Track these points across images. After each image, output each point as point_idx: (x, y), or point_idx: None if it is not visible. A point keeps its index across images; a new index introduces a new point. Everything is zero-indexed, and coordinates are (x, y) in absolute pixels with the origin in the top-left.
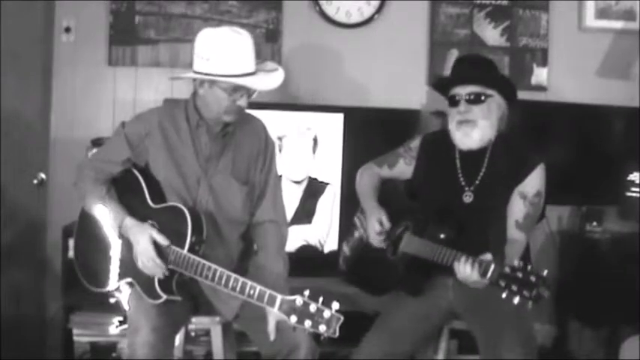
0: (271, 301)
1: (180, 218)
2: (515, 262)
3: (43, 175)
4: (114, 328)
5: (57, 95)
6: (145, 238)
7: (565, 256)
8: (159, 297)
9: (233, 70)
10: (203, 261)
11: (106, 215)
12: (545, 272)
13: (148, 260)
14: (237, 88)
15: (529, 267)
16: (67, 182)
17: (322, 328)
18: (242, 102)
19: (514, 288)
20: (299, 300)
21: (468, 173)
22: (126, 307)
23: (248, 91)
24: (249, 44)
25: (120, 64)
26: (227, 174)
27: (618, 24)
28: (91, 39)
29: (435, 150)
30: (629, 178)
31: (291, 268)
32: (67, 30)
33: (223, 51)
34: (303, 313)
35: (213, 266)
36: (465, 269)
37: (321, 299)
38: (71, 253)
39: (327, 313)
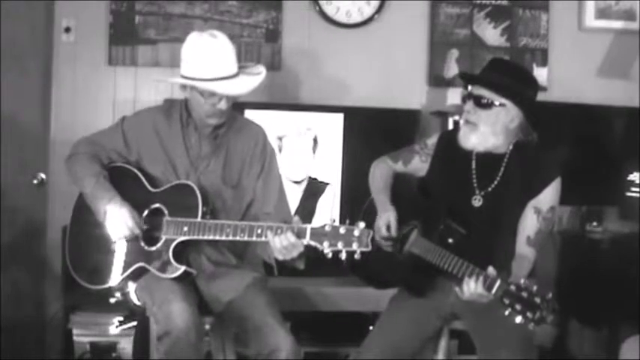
0: (302, 233)
1: (188, 192)
2: (522, 281)
3: (43, 175)
4: (114, 328)
5: (57, 95)
6: (119, 211)
7: (565, 256)
8: (176, 270)
9: (206, 74)
10: (221, 221)
11: (92, 193)
12: (550, 295)
13: (122, 221)
14: (213, 92)
15: (534, 288)
16: (67, 182)
17: (355, 245)
18: (222, 105)
19: (517, 307)
20: (328, 226)
21: (482, 177)
22: (135, 300)
23: (227, 95)
24: (224, 48)
25: (120, 64)
26: (216, 176)
27: (618, 24)
28: (91, 39)
29: (452, 149)
30: (629, 178)
31: (291, 267)
32: (67, 30)
33: (198, 55)
34: (334, 237)
35: (233, 222)
36: (469, 285)
37: (348, 221)
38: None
39: (356, 232)
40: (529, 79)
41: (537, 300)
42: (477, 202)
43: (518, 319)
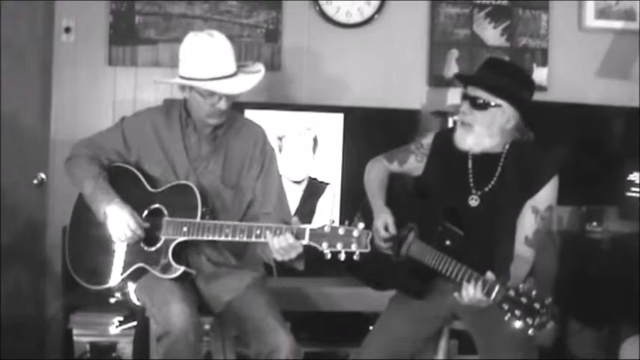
0: (301, 234)
1: (188, 193)
2: (521, 285)
3: (43, 175)
4: (114, 328)
5: (57, 95)
6: (120, 213)
7: (565, 256)
8: (176, 270)
9: (205, 73)
10: (220, 222)
11: (92, 195)
12: (550, 300)
13: (123, 223)
14: (212, 92)
15: (534, 293)
16: (67, 182)
17: (354, 246)
18: (222, 105)
19: (517, 313)
20: (327, 227)
21: (478, 177)
22: (135, 301)
23: (227, 94)
24: (222, 47)
25: (120, 64)
26: (216, 176)
27: (618, 24)
28: (91, 39)
29: (448, 149)
30: (629, 178)
31: (291, 267)
32: (67, 30)
33: (196, 55)
34: (333, 238)
35: (232, 223)
36: (468, 291)
37: (347, 222)
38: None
39: (355, 232)
40: (525, 79)
41: (537, 306)
42: (473, 202)
43: (518, 325)
